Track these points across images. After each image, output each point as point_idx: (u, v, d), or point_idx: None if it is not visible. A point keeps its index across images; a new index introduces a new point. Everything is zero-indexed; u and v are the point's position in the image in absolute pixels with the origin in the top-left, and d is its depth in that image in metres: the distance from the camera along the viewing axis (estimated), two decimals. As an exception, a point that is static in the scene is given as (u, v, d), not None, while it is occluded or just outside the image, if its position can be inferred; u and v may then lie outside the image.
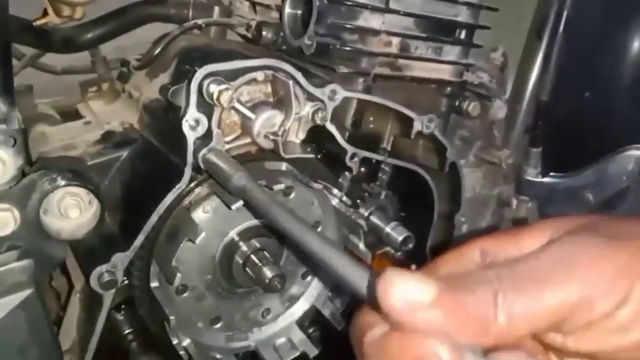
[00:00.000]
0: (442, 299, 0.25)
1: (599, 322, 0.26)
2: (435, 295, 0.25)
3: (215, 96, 0.50)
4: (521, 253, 0.29)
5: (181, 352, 0.62)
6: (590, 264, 0.26)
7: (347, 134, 0.63)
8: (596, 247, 0.27)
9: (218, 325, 0.68)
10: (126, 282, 0.58)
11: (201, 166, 0.53)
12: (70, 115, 0.80)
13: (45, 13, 0.71)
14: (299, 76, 0.56)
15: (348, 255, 0.32)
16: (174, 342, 0.62)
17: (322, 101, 0.58)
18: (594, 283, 0.26)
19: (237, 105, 0.54)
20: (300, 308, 0.73)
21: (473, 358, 0.24)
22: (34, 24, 0.72)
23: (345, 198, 0.66)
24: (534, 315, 0.25)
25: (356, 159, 0.63)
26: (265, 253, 0.63)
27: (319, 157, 0.64)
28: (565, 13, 0.89)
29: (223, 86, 0.50)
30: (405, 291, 0.24)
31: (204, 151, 0.52)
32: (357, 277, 0.29)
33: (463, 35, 0.72)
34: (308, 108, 0.57)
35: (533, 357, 0.26)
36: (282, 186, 0.60)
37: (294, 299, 0.73)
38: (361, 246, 0.69)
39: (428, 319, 0.24)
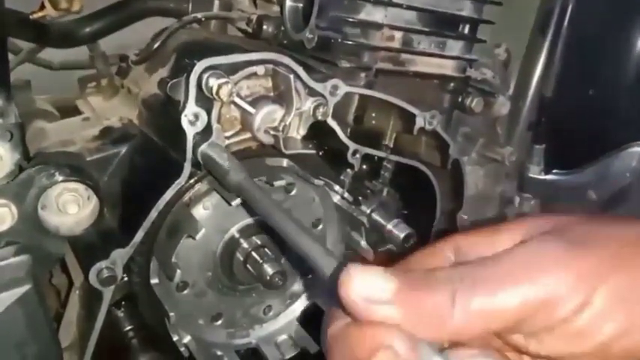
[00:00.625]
0: (400, 295, 0.26)
1: (558, 325, 0.26)
2: (393, 290, 0.26)
3: (214, 90, 0.50)
4: (494, 252, 0.29)
5: (182, 349, 0.62)
6: (554, 267, 0.27)
7: (349, 130, 0.63)
8: (563, 251, 0.27)
9: (219, 322, 0.68)
10: (125, 279, 0.57)
11: (200, 161, 0.52)
12: (69, 111, 0.80)
13: (42, 6, 0.70)
14: (300, 70, 0.55)
15: (322, 246, 0.33)
16: (175, 338, 0.61)
17: (324, 96, 0.57)
18: (555, 287, 0.26)
19: (236, 99, 0.53)
20: (301, 305, 0.73)
21: (427, 351, 0.25)
22: (30, 17, 0.71)
23: (346, 195, 0.65)
24: (489, 314, 0.26)
25: (358, 155, 0.62)
26: (266, 250, 0.62)
27: (321, 153, 0.63)
28: (569, 9, 0.88)
29: (223, 80, 0.50)
30: (364, 285, 0.25)
31: (203, 146, 0.52)
32: (327, 268, 0.31)
33: (467, 30, 0.71)
34: (309, 103, 0.57)
35: (488, 356, 0.26)
36: (283, 182, 0.59)
37: (295, 296, 0.73)
38: (363, 243, 0.68)
39: (385, 314, 0.26)
